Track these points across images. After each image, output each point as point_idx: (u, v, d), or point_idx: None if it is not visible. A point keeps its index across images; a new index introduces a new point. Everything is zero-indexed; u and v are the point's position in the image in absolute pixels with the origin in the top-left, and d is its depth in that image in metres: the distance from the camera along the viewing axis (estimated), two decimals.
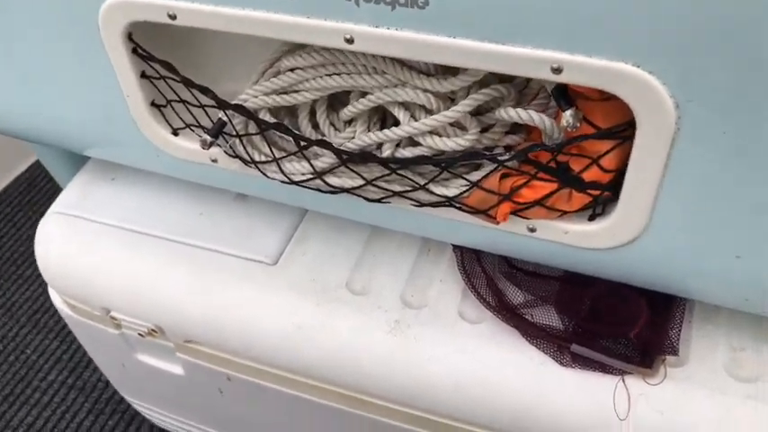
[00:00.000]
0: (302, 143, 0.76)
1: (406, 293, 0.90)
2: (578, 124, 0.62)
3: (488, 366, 0.82)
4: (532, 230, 0.75)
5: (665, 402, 0.76)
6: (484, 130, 0.73)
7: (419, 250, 0.95)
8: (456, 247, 0.91)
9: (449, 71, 0.71)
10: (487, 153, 0.70)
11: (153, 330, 1.03)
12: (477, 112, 0.73)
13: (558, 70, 0.59)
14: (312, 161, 0.78)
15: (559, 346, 0.79)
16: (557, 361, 0.79)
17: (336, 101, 0.82)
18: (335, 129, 0.81)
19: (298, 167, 0.79)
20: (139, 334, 1.06)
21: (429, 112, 0.72)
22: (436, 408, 0.85)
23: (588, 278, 0.82)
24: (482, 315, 0.86)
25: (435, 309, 0.87)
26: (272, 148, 0.81)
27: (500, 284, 0.88)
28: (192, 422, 1.31)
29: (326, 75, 0.76)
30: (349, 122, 0.80)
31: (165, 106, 0.87)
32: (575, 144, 0.66)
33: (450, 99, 0.72)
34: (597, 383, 0.78)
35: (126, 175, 1.12)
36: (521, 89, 0.72)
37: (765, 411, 0.73)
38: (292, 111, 0.85)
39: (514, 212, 0.72)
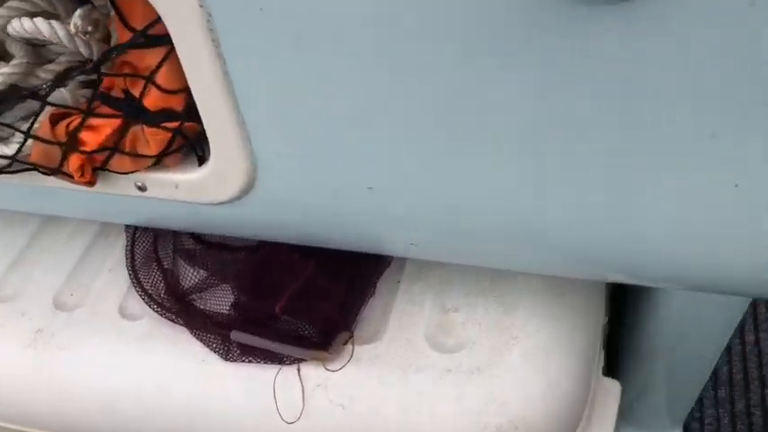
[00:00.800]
0: None
1: (63, 292, 0.71)
2: (89, 27, 0.44)
3: (143, 373, 0.63)
4: (143, 189, 0.57)
5: (346, 392, 0.59)
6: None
7: (95, 235, 0.76)
8: (128, 227, 0.73)
9: None
10: (26, 90, 0.52)
11: None
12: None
13: None
14: None
15: (222, 336, 0.62)
16: (221, 356, 0.62)
17: None
18: None
19: None
20: None
21: None
22: (85, 426, 0.66)
23: (269, 244, 0.65)
24: (146, 309, 0.67)
25: (93, 308, 0.69)
26: None
27: (177, 267, 0.70)
28: None
29: None
30: None
31: None
32: (118, 60, 0.48)
33: None
34: (267, 378, 0.60)
35: None
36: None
37: (463, 386, 0.57)
38: None
39: (100, 168, 0.54)
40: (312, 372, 0.59)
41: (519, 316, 0.61)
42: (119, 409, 0.64)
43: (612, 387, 0.72)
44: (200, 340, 0.62)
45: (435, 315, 0.62)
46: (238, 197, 0.54)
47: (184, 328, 0.64)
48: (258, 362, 0.60)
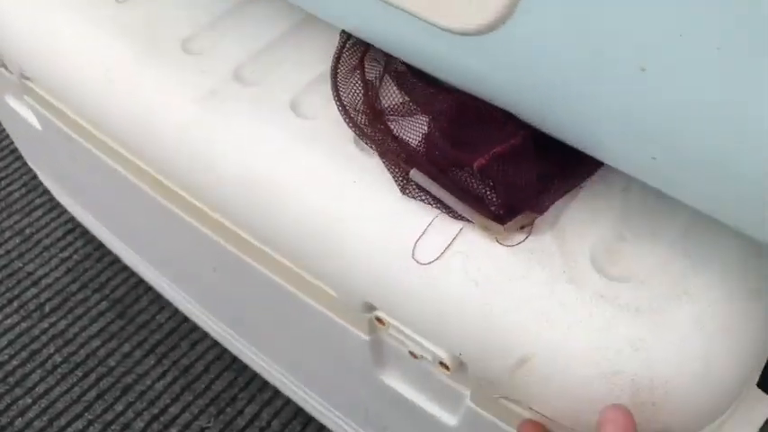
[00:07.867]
0: None
1: (245, 67, 0.69)
2: None
3: (289, 170, 0.61)
4: None
5: (487, 272, 0.53)
6: None
7: (291, 27, 0.73)
8: (344, 33, 0.68)
9: None
10: None
11: None
12: None
13: None
14: None
15: (404, 170, 0.57)
16: (399, 188, 0.57)
17: None
18: None
19: None
20: None
21: None
22: (219, 202, 0.66)
23: None
24: (319, 112, 0.64)
25: (268, 91, 0.67)
26: None
27: (383, 85, 0.64)
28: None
29: None
30: None
31: None
32: None
33: None
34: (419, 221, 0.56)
35: None
36: None
37: (613, 319, 0.50)
38: None
39: None
40: (467, 236, 0.55)
41: (701, 274, 0.53)
42: (250, 191, 0.62)
43: (762, 403, 0.62)
44: (385, 165, 0.59)
45: (609, 238, 0.55)
46: (489, 27, 0.47)
47: (350, 141, 0.61)
48: (430, 205, 0.56)
